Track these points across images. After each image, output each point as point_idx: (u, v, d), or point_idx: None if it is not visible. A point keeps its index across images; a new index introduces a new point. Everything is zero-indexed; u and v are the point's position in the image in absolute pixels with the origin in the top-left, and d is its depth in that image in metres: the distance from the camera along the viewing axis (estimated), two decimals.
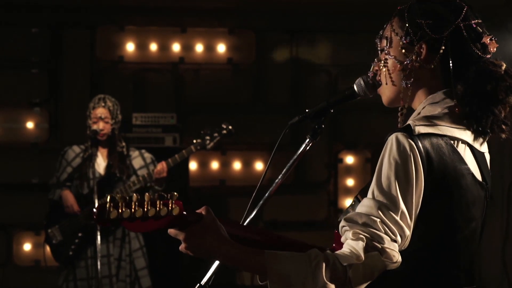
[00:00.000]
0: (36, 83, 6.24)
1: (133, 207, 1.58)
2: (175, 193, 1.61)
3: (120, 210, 1.57)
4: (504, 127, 1.80)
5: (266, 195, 2.01)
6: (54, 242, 4.79)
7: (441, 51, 1.80)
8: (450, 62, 1.80)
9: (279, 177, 2.01)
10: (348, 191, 6.51)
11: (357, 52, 5.92)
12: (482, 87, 1.77)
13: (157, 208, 1.59)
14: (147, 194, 1.60)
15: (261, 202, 2.00)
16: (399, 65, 1.85)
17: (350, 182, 6.52)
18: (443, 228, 1.76)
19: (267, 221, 6.17)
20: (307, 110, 2.04)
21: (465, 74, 1.79)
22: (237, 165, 6.43)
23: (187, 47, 6.42)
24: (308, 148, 2.01)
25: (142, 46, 6.38)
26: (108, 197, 1.57)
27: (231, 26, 6.45)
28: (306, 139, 2.02)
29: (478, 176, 1.81)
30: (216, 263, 1.86)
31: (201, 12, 6.35)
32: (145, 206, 1.59)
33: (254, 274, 1.76)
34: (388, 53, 1.87)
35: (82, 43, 6.30)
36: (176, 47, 6.40)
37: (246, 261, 1.71)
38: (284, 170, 2.01)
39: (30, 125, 6.24)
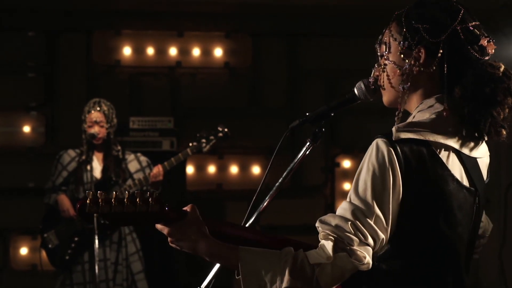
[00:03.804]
0: (33, 87, 6.23)
1: (112, 203, 1.65)
2: (156, 191, 1.66)
3: (100, 205, 1.65)
4: (501, 130, 1.79)
5: (266, 199, 2.02)
6: (50, 247, 4.78)
7: (439, 54, 1.80)
8: (445, 65, 1.79)
9: (280, 181, 2.02)
10: (345, 195, 6.50)
11: (353, 56, 5.93)
12: (481, 90, 1.77)
13: (136, 205, 1.67)
14: (127, 192, 1.68)
15: (261, 207, 2.00)
16: (398, 70, 1.85)
17: (347, 186, 6.52)
18: (426, 233, 1.77)
19: (264, 225, 6.15)
20: (307, 114, 2.05)
21: (463, 77, 1.79)
22: (234, 169, 6.43)
23: (184, 51, 6.42)
24: (308, 152, 2.02)
25: (138, 50, 6.37)
26: (90, 193, 1.65)
27: (227, 30, 6.45)
28: (307, 142, 2.03)
29: (465, 182, 1.81)
30: (216, 267, 1.88)
31: (198, 16, 6.35)
32: (125, 203, 1.66)
33: (231, 269, 1.79)
34: (387, 58, 1.87)
35: (78, 47, 6.29)
36: (173, 51, 6.40)
37: (222, 256, 1.77)
38: (284, 174, 2.02)
39: (26, 129, 6.22)
